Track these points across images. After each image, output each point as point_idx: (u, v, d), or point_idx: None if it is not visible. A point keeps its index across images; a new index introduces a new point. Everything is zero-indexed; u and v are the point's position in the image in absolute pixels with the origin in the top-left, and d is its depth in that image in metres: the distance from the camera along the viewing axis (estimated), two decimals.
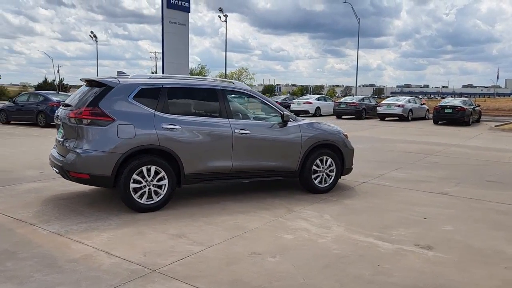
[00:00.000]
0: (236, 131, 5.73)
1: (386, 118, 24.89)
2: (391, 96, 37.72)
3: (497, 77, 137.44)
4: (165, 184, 5.29)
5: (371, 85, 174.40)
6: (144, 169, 5.16)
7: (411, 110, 24.53)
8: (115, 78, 5.40)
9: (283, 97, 36.37)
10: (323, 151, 6.42)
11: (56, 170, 5.42)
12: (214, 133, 5.62)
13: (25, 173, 7.48)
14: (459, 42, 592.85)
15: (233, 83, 6.32)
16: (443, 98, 33.58)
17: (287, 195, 6.26)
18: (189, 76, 6.56)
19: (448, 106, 22.29)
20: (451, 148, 12.44)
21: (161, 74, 5.76)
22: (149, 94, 5.37)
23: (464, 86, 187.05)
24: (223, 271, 3.65)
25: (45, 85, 64.03)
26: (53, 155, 5.58)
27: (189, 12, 19.58)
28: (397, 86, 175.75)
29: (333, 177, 6.53)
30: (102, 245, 4.15)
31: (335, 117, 26.59)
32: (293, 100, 30.33)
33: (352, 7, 43.72)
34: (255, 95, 6.34)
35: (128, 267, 3.68)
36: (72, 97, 5.65)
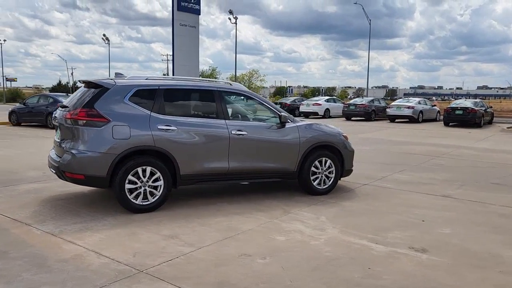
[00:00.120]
0: (233, 132, 5.71)
1: (396, 120, 24.65)
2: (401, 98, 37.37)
3: None
4: (160, 185, 5.30)
5: (384, 87, 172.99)
6: (139, 170, 5.17)
7: (421, 111, 24.23)
8: (111, 79, 5.44)
9: (292, 98, 35.97)
10: (322, 153, 6.37)
11: (53, 171, 5.47)
12: (211, 134, 5.61)
13: (28, 174, 7.57)
14: (474, 43, 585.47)
15: (231, 84, 6.32)
16: (456, 99, 33.07)
17: (286, 197, 6.22)
18: (187, 77, 6.56)
19: (459, 108, 21.94)
20: (459, 150, 12.26)
21: (159, 75, 5.78)
22: (145, 95, 5.39)
23: (479, 88, 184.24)
24: (210, 272, 3.63)
25: (59, 87, 65.05)
26: (51, 156, 5.63)
27: (199, 14, 19.71)
28: (411, 88, 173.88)
29: (332, 179, 6.47)
30: (93, 246, 4.16)
31: (344, 118, 26.44)
32: (302, 102, 30.19)
33: (363, 8, 43.37)
34: (253, 96, 6.32)
35: (116, 267, 3.68)
36: (70, 99, 5.69)
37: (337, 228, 4.89)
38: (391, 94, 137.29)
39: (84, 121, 5.08)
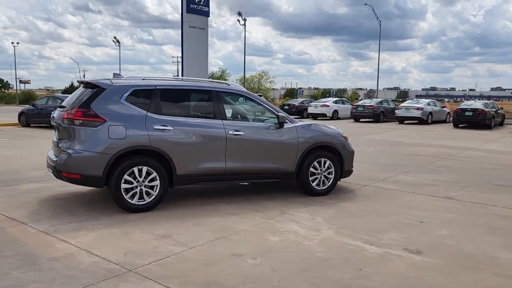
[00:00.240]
0: (230, 132, 5.69)
1: (405, 121, 24.40)
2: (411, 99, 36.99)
3: None
4: (157, 185, 5.30)
5: (395, 88, 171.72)
6: (135, 169, 5.18)
7: (430, 113, 23.95)
8: (108, 79, 5.46)
9: (300, 100, 35.48)
10: (321, 153, 6.32)
11: (50, 171, 5.50)
12: (207, 134, 5.60)
13: (31, 174, 7.64)
14: (487, 44, 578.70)
15: (228, 84, 6.31)
16: (467, 101, 32.69)
17: (284, 198, 6.18)
18: (184, 78, 6.57)
19: (469, 109, 21.64)
20: (467, 151, 12.08)
21: (158, 76, 5.79)
22: (141, 95, 5.40)
23: (492, 89, 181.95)
24: (199, 272, 3.62)
25: (71, 89, 65.64)
26: (49, 156, 5.67)
27: (209, 16, 19.75)
28: (422, 89, 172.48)
29: (331, 180, 6.42)
30: (86, 245, 4.17)
31: (352, 120, 26.27)
32: (311, 103, 30.01)
33: (373, 9, 43.08)
34: (251, 97, 6.30)
35: (105, 266, 3.68)
36: (69, 99, 5.73)
37: (332, 229, 4.84)
38: (403, 95, 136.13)
39: (80, 121, 5.10)
